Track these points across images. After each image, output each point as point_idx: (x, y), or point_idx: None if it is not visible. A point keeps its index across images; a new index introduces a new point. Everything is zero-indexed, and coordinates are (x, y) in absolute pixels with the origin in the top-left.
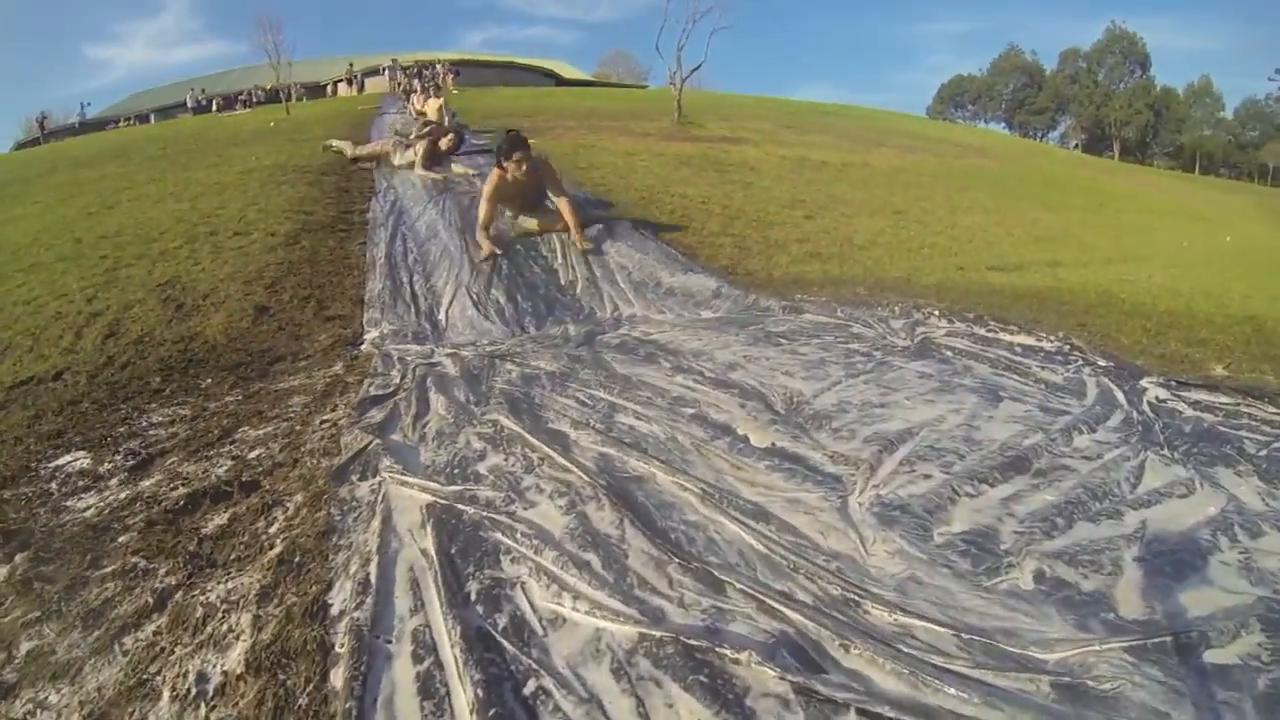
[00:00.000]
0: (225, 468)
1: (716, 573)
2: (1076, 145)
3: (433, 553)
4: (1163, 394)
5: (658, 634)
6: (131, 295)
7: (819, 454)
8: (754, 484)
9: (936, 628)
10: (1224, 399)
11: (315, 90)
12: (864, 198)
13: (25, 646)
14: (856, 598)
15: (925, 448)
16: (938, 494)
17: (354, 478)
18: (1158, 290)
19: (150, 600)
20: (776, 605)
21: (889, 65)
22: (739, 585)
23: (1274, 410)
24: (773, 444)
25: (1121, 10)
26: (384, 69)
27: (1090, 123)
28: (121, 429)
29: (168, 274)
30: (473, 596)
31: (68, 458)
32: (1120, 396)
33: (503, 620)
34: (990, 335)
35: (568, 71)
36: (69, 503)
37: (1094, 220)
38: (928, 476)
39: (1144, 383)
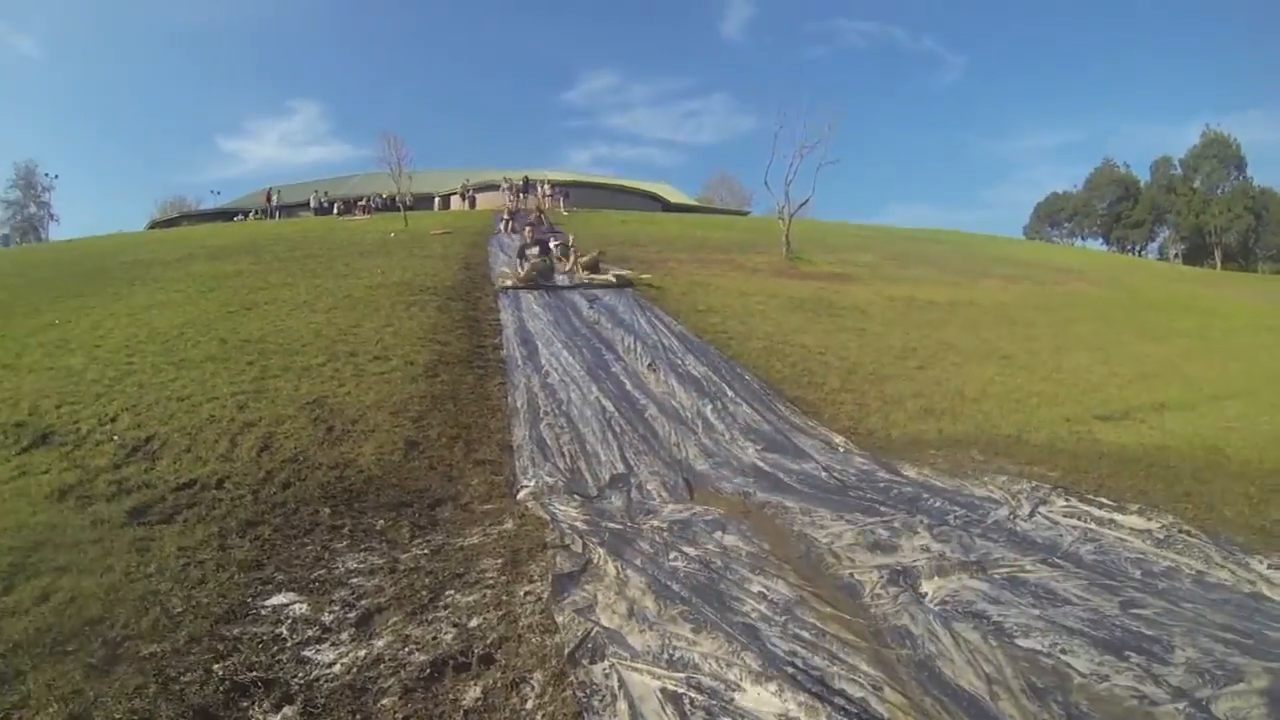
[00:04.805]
0: (451, 635)
1: None
2: (1177, 255)
3: None
4: None
5: None
6: (281, 410)
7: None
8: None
9: None
10: None
11: (424, 200)
12: (972, 342)
13: None
14: None
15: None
16: None
17: (585, 661)
18: (1265, 439)
19: None
20: None
21: (984, 182)
22: None
23: None
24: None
25: (1213, 110)
26: (504, 186)
27: (1190, 231)
28: (321, 571)
29: (314, 392)
30: None
31: (281, 599)
32: None
33: None
34: (1105, 516)
35: (673, 195)
36: (307, 653)
37: (1199, 348)
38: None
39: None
